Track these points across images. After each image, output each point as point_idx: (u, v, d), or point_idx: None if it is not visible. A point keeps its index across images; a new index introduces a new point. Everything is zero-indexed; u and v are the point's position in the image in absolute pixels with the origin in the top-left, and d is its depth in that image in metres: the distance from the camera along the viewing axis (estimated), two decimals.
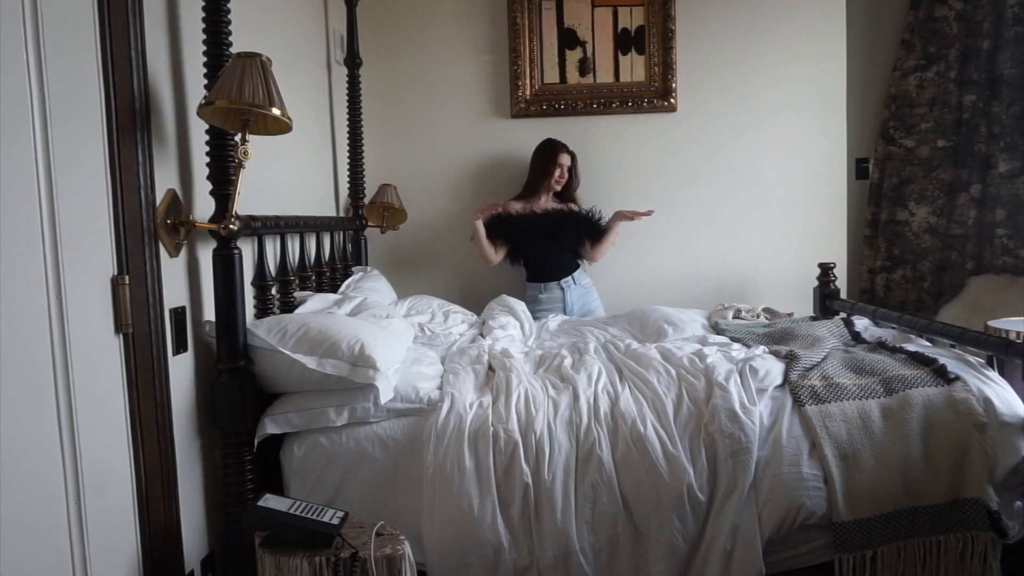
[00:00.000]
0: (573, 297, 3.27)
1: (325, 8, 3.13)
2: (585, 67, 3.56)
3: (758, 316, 2.92)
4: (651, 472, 1.79)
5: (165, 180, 1.68)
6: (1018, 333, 2.44)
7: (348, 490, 1.85)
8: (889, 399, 1.89)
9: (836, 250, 3.60)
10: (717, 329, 2.65)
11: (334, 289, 2.75)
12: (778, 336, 2.43)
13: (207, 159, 1.72)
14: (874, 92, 3.82)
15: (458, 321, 2.82)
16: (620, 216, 3.26)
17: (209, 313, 1.83)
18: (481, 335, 2.62)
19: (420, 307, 2.89)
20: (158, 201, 1.63)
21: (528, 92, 3.52)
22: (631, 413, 1.89)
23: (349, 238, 3.29)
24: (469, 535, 1.76)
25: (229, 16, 1.71)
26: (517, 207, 3.28)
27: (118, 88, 1.51)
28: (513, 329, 2.72)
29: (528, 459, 1.81)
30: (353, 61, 3.19)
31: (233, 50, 1.71)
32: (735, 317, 2.87)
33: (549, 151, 3.28)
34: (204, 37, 1.70)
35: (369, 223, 3.32)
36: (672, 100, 3.53)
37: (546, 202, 3.31)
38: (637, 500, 1.79)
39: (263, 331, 1.82)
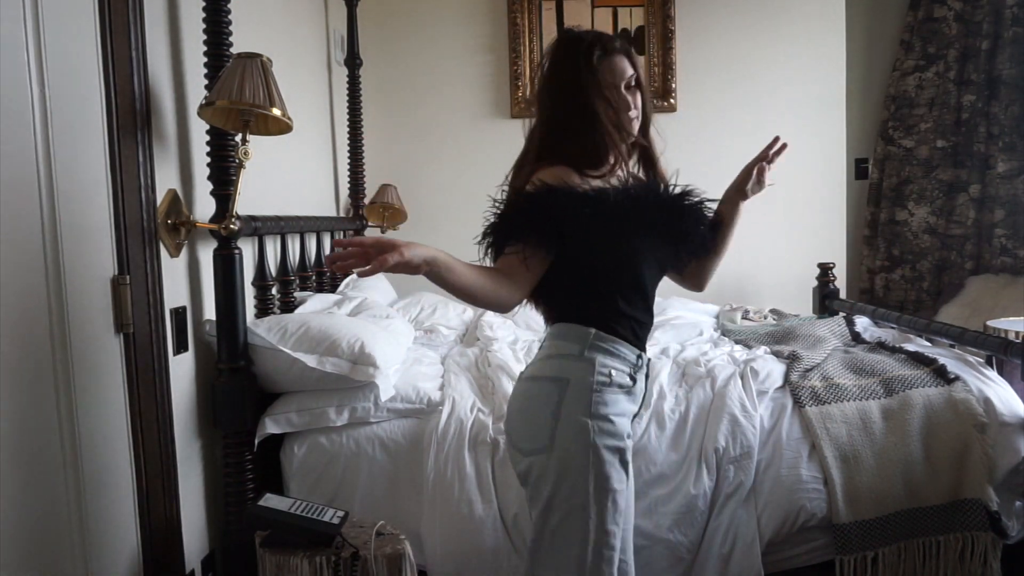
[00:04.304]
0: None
1: (325, 8, 3.13)
2: None
3: (765, 317, 2.93)
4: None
5: (165, 180, 1.68)
6: (1017, 333, 2.45)
7: (348, 491, 1.85)
8: (889, 400, 1.89)
9: (835, 250, 3.60)
10: (724, 331, 2.66)
11: (334, 289, 2.75)
12: (780, 336, 2.43)
13: (208, 159, 1.71)
14: (873, 92, 3.82)
15: (449, 312, 2.82)
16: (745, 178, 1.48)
17: (210, 313, 1.83)
18: (478, 337, 2.62)
19: (414, 301, 2.90)
20: (158, 201, 1.63)
21: (528, 92, 3.52)
22: None
23: None
24: (469, 540, 1.76)
25: (230, 16, 1.71)
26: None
27: (118, 88, 1.51)
28: (512, 331, 2.71)
29: None
30: (353, 61, 3.19)
31: (234, 50, 1.71)
32: (743, 318, 2.89)
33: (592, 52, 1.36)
34: (204, 37, 1.70)
35: (369, 223, 3.32)
36: (672, 100, 3.53)
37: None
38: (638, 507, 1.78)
39: (263, 330, 1.82)
